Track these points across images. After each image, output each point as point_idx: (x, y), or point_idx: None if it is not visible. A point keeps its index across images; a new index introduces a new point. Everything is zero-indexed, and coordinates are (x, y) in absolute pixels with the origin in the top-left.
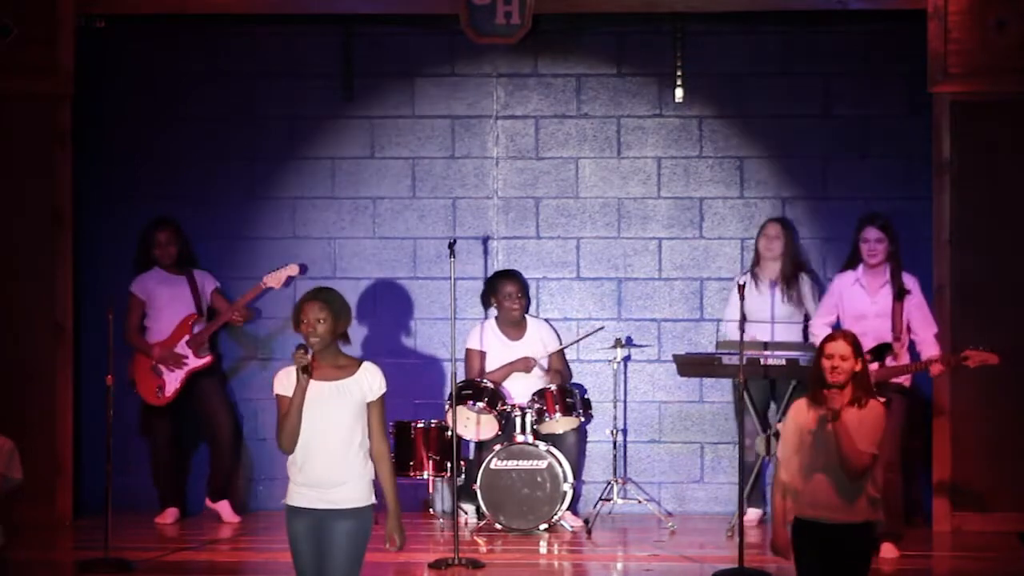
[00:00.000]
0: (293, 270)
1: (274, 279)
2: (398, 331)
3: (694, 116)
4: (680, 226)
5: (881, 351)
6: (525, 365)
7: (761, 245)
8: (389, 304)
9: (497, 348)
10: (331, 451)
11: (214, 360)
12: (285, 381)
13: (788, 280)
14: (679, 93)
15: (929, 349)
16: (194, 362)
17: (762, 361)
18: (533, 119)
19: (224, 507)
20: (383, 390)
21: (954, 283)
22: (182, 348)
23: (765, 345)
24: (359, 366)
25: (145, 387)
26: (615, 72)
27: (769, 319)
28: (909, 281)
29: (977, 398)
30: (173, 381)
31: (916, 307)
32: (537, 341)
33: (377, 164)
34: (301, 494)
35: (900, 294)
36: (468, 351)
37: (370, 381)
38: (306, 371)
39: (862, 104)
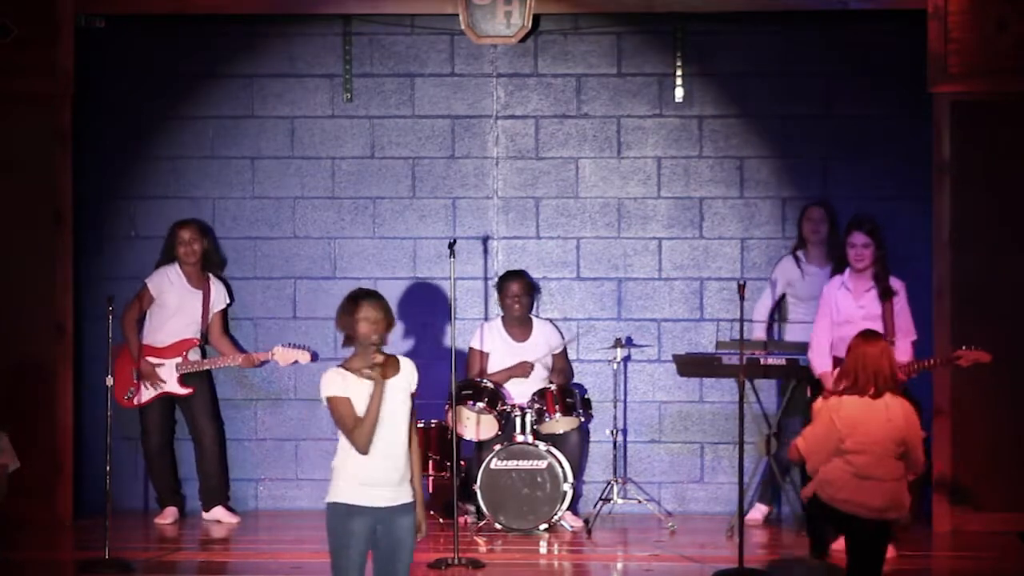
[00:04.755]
0: (304, 357)
1: (282, 356)
2: (398, 331)
3: (694, 116)
4: (680, 226)
5: None
6: (523, 371)
7: (807, 229)
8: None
9: (501, 349)
10: (395, 449)
11: (196, 391)
12: (338, 382)
13: (838, 261)
14: (679, 93)
15: (901, 356)
16: (173, 388)
17: (762, 361)
18: (533, 119)
19: (219, 512)
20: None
21: (954, 283)
22: (170, 369)
23: (765, 345)
24: (399, 363)
25: (119, 388)
26: (615, 72)
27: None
28: (896, 284)
29: (977, 399)
30: (147, 394)
31: (899, 312)
32: (542, 343)
33: (377, 164)
34: (363, 492)
35: (886, 294)
36: (471, 350)
37: (412, 377)
38: (374, 369)
39: (862, 104)
